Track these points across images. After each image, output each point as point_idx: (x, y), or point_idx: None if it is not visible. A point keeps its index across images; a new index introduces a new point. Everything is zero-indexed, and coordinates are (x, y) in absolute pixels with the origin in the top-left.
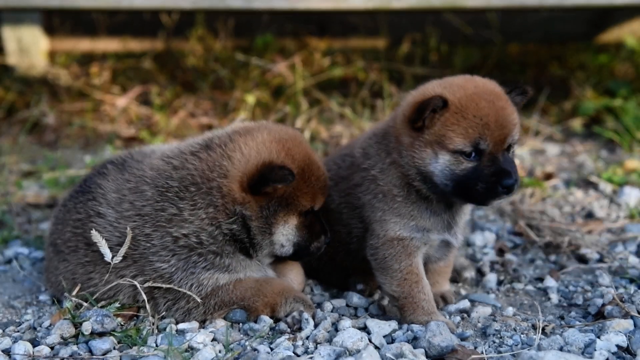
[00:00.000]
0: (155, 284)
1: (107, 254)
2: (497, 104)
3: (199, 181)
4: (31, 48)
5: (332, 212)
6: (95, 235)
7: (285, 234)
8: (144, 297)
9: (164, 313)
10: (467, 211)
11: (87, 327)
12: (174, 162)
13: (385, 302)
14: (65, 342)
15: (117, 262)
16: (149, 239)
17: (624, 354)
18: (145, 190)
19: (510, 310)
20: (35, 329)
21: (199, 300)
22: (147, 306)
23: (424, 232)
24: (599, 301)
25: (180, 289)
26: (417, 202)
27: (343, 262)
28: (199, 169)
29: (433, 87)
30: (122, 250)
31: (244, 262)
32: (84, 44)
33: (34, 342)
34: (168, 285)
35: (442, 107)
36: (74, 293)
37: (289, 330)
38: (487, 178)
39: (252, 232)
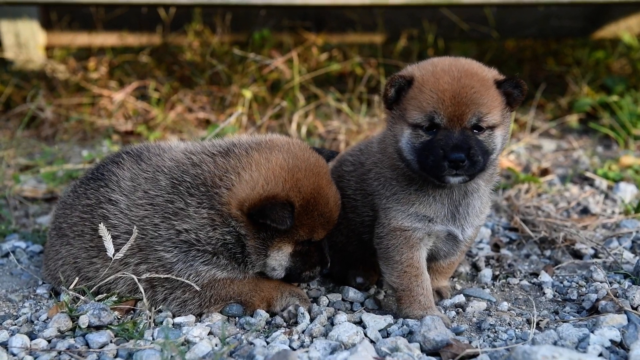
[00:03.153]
0: (154, 275)
1: (110, 249)
2: (464, 81)
3: (209, 183)
4: (29, 42)
5: (348, 198)
6: (102, 230)
7: (278, 259)
8: (142, 289)
9: (160, 304)
10: (477, 205)
11: (84, 321)
12: (193, 159)
13: (381, 296)
14: (62, 335)
15: (118, 257)
16: (157, 229)
17: (617, 348)
18: (161, 179)
19: (505, 305)
20: (32, 322)
21: (197, 288)
22: (144, 297)
23: (426, 222)
24: (593, 296)
25: (178, 278)
26: (411, 185)
27: (355, 252)
28: (212, 173)
29: (409, 67)
30: (125, 248)
31: (238, 269)
32: (82, 39)
33: (31, 335)
34: (167, 275)
35: (408, 84)
36: (71, 286)
37: (285, 324)
38: (437, 151)
39: (246, 250)
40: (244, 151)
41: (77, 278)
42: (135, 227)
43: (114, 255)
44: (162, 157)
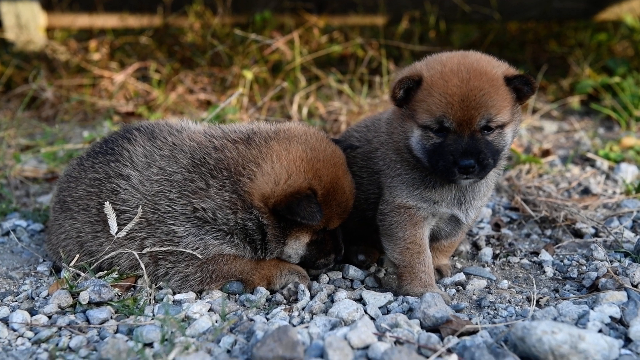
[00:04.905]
0: (158, 249)
1: (114, 227)
2: (472, 83)
3: (232, 170)
4: (29, 23)
5: (353, 175)
6: (108, 208)
7: (295, 248)
8: (142, 265)
9: (161, 280)
10: (483, 189)
11: (84, 297)
12: (215, 143)
13: (382, 274)
14: (62, 311)
15: (121, 235)
16: (172, 204)
17: (617, 325)
18: (181, 158)
19: (505, 283)
20: (33, 298)
21: (199, 257)
22: (144, 273)
23: (431, 203)
24: (594, 274)
25: (183, 250)
26: (415, 170)
27: (357, 228)
28: (235, 160)
29: (417, 65)
30: (129, 226)
31: (250, 252)
32: (82, 20)
33: (32, 312)
34: (170, 247)
35: (417, 84)
36: (72, 263)
37: (285, 301)
38: (447, 156)
39: (267, 238)
40: (263, 141)
41: (78, 254)
42: (142, 204)
43: (116, 233)
44: (179, 137)
